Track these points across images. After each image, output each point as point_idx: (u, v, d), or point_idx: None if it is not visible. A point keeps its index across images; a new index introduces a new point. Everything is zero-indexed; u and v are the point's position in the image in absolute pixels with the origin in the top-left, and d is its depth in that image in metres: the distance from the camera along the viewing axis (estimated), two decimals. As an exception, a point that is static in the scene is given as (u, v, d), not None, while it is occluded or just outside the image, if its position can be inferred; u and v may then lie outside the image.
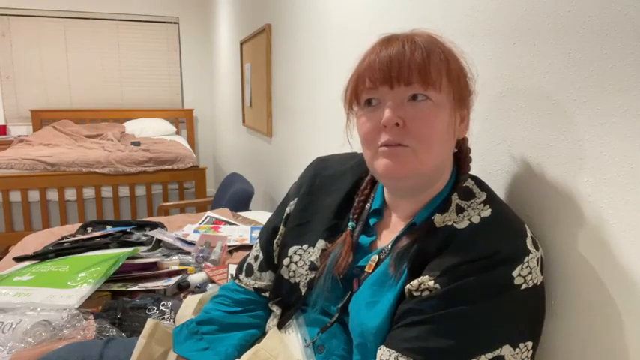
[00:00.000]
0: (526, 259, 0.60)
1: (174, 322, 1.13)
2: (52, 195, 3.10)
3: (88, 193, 3.16)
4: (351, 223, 0.78)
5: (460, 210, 0.68)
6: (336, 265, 0.74)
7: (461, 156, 0.74)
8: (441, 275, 0.62)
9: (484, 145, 0.85)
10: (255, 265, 0.90)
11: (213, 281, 1.38)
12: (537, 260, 0.62)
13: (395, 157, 0.65)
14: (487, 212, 0.66)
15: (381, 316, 0.66)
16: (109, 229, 1.78)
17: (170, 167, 3.30)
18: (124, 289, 1.30)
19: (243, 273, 0.92)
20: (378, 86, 0.65)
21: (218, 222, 1.95)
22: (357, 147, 0.76)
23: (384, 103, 0.65)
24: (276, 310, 0.85)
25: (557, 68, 0.68)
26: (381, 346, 0.64)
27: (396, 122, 0.63)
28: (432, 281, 0.62)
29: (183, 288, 1.34)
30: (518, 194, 0.79)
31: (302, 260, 0.79)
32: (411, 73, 0.63)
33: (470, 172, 0.74)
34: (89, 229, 1.84)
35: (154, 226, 1.82)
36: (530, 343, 0.61)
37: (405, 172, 0.65)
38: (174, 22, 4.99)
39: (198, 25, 5.03)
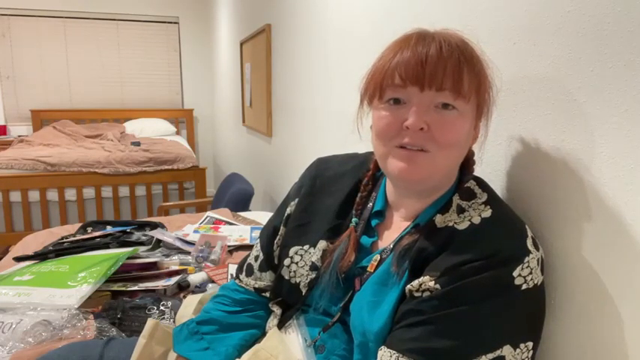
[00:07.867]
0: (526, 260, 0.60)
1: (174, 322, 1.12)
2: (52, 195, 3.10)
3: (88, 193, 3.16)
4: (354, 219, 0.78)
5: (461, 210, 0.68)
6: (340, 262, 0.74)
7: (465, 158, 0.74)
8: (441, 276, 0.62)
9: (483, 146, 0.85)
10: (256, 265, 0.90)
11: (213, 281, 1.38)
12: (538, 260, 0.62)
13: (412, 161, 0.64)
14: (487, 213, 0.66)
15: (383, 317, 0.66)
16: (109, 229, 1.78)
17: (170, 167, 3.30)
18: (124, 289, 1.30)
19: (244, 273, 0.92)
20: (407, 85, 0.63)
21: (218, 222, 1.95)
22: (365, 137, 0.75)
23: (409, 103, 0.64)
24: (277, 310, 0.85)
25: (557, 68, 0.68)
26: (382, 347, 0.64)
27: (421, 127, 0.63)
28: (433, 282, 0.62)
29: (183, 288, 1.34)
30: (517, 195, 0.79)
31: (303, 260, 0.79)
32: (445, 80, 0.61)
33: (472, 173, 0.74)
34: (89, 229, 1.83)
35: (154, 226, 1.82)
36: (530, 344, 0.61)
37: (419, 175, 0.65)
38: (175, 22, 4.98)
39: (198, 25, 5.03)
